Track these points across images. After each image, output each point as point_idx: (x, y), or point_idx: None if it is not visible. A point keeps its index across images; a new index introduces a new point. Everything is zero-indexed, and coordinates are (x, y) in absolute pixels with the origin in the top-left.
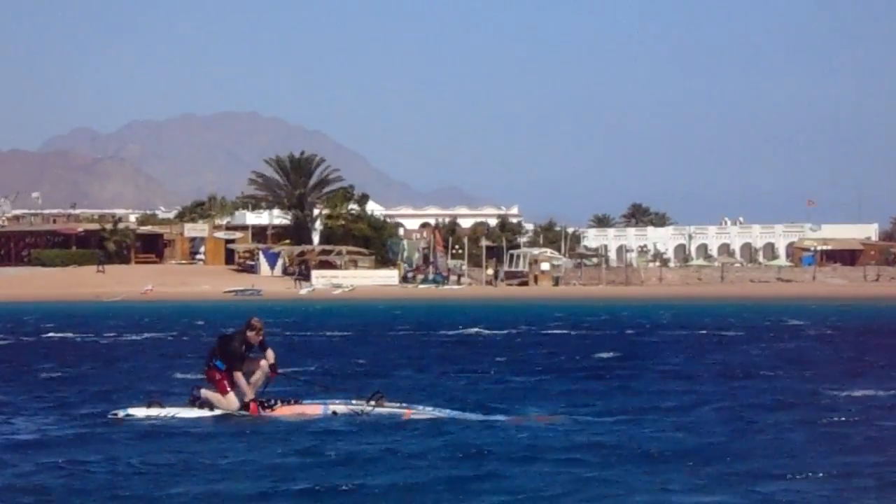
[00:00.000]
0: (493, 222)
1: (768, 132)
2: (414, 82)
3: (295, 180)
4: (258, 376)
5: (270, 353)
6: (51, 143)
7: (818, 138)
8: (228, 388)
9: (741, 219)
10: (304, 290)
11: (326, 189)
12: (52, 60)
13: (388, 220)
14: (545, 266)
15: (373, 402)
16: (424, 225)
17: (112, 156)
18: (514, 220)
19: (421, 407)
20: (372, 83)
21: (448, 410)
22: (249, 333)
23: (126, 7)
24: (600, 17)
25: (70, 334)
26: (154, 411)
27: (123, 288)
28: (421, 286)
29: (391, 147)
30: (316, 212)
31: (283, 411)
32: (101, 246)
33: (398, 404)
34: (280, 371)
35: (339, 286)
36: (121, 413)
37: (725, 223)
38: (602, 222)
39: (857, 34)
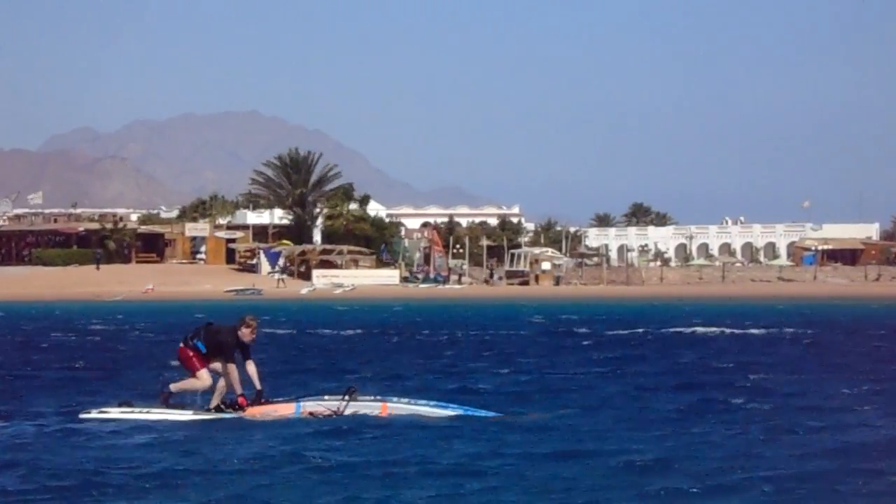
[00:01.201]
0: (494, 222)
1: (769, 132)
2: (415, 81)
3: (295, 179)
4: (223, 384)
5: (253, 368)
6: (52, 143)
7: (819, 138)
8: (199, 365)
9: (742, 218)
10: (305, 290)
11: (327, 187)
12: (54, 60)
13: (390, 219)
14: (546, 265)
15: (346, 398)
16: (425, 224)
17: (113, 155)
18: (515, 220)
19: (395, 399)
20: (373, 82)
21: (423, 402)
22: (244, 330)
23: (127, 6)
24: (602, 16)
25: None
26: (125, 411)
27: (124, 287)
28: (422, 286)
29: (392, 146)
30: (317, 211)
31: (254, 412)
32: (101, 245)
33: (371, 397)
34: (263, 400)
35: (339, 286)
36: (93, 412)
37: (726, 223)
38: (603, 222)
39: (858, 33)
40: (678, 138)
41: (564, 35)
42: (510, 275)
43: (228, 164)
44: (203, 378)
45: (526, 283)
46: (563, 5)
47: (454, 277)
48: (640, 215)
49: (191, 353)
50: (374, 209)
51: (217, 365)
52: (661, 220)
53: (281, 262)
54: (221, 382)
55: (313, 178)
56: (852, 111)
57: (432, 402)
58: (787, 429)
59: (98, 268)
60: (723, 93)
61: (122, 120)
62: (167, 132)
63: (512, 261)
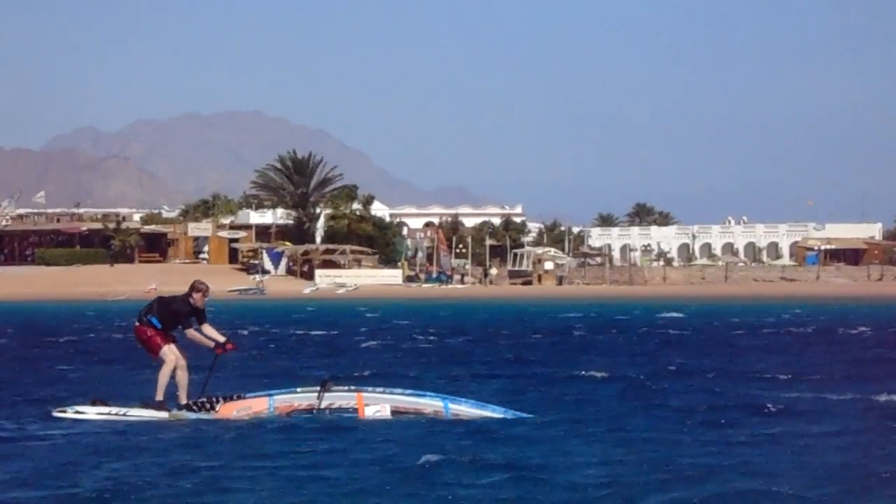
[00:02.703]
0: (497, 221)
1: (772, 131)
2: (418, 81)
3: (297, 180)
4: (181, 375)
5: (210, 328)
6: (55, 142)
7: (822, 138)
8: (161, 343)
9: (745, 218)
10: (307, 290)
11: (329, 188)
12: (57, 59)
13: (393, 219)
14: (549, 265)
15: (321, 389)
16: (428, 224)
17: (116, 155)
18: (518, 220)
19: (370, 388)
20: (376, 82)
21: (399, 390)
22: (195, 296)
23: (130, 6)
24: (604, 16)
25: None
26: (101, 411)
27: (127, 287)
28: (425, 285)
29: (395, 146)
30: (318, 211)
31: (228, 410)
32: (104, 245)
33: (346, 388)
34: (231, 345)
35: (342, 285)
36: (69, 411)
37: (729, 222)
38: (606, 221)
39: (861, 33)
40: (681, 138)
41: (567, 35)
42: (513, 274)
43: (231, 164)
44: (167, 355)
45: (529, 282)
46: (567, 6)
47: (457, 277)
48: (642, 215)
49: (149, 333)
50: (377, 209)
51: (175, 352)
52: (663, 219)
53: (283, 262)
54: (182, 377)
55: (315, 179)
56: (855, 111)
57: (408, 391)
58: None
59: (112, 265)
60: (726, 92)
61: (125, 119)
62: (170, 132)
63: (515, 260)
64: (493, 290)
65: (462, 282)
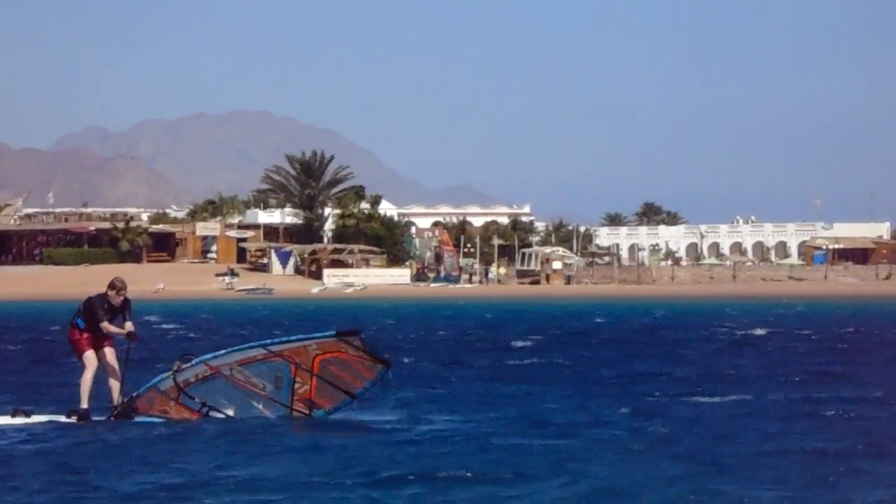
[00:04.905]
0: (505, 221)
1: (780, 131)
2: (426, 81)
3: (306, 180)
4: (113, 382)
5: (129, 324)
6: (63, 142)
7: (830, 137)
8: (86, 348)
9: (753, 218)
10: (315, 289)
11: (338, 188)
12: (64, 59)
13: (401, 218)
14: (557, 265)
15: (174, 373)
16: (436, 224)
17: (124, 154)
18: (526, 219)
19: (210, 355)
20: (384, 82)
21: (224, 351)
22: (110, 293)
23: (138, 6)
24: (612, 16)
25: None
26: (18, 420)
27: (135, 287)
28: (433, 285)
29: (403, 145)
30: (327, 211)
31: (144, 406)
32: (112, 245)
33: (192, 363)
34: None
35: (350, 285)
36: None
37: (737, 222)
38: (614, 221)
39: (867, 32)
40: (689, 137)
41: (575, 35)
42: (521, 274)
43: (239, 164)
44: (89, 360)
45: (537, 282)
46: (574, 6)
47: (465, 277)
48: (651, 214)
49: (76, 336)
50: (386, 208)
51: (108, 358)
52: (672, 219)
53: (292, 261)
54: (114, 384)
55: (324, 179)
56: (863, 110)
57: (233, 348)
58: None
59: (146, 261)
60: (734, 92)
61: (132, 119)
62: (178, 131)
63: (523, 260)
64: (500, 290)
65: (470, 281)
